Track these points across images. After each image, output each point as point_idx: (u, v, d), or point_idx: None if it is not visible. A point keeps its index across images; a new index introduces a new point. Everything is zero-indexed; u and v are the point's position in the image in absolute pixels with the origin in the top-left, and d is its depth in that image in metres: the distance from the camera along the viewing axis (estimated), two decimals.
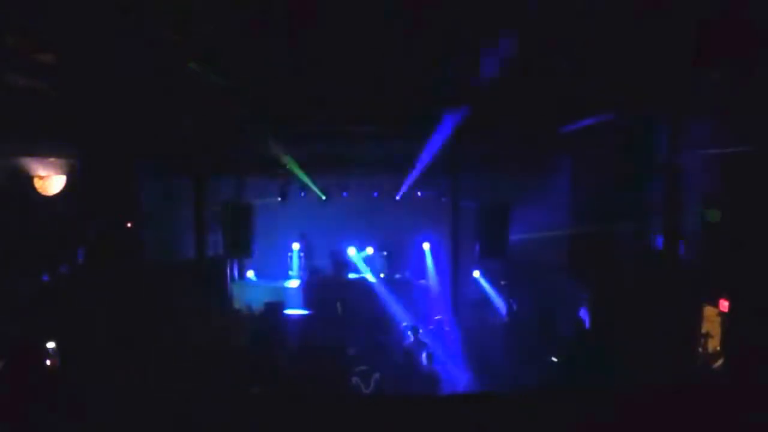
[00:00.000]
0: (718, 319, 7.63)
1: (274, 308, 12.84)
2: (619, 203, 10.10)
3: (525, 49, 6.64)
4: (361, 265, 15.07)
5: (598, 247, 10.44)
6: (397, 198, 14.87)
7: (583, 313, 10.72)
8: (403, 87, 8.47)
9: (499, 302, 13.24)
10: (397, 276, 14.84)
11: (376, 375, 7.70)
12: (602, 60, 7.24)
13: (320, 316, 12.76)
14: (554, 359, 9.29)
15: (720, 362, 7.42)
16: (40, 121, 8.24)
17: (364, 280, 14.55)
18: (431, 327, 12.11)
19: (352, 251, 15.22)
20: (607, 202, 10.25)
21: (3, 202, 8.82)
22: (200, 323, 10.72)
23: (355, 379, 7.71)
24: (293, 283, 14.37)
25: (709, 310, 7.82)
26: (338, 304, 12.98)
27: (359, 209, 15.30)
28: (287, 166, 12.83)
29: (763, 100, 6.39)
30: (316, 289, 14.04)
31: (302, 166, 13.30)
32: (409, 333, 10.60)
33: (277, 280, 14.81)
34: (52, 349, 8.20)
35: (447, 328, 11.92)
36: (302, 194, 15.14)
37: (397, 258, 15.23)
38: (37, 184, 9.53)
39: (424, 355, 9.39)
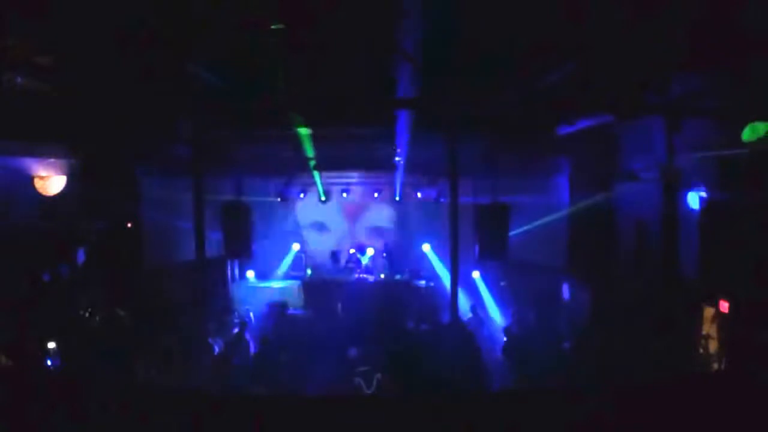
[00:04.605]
0: (717, 320, 7.63)
1: (276, 308, 12.83)
2: (618, 203, 10.11)
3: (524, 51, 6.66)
4: (362, 266, 15.07)
5: (598, 247, 10.44)
6: (397, 199, 14.89)
7: (583, 314, 10.73)
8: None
9: (497, 303, 13.23)
10: (397, 276, 14.84)
11: (378, 375, 7.70)
12: (601, 60, 7.25)
13: (320, 316, 12.75)
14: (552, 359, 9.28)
15: (720, 363, 7.42)
16: (40, 121, 8.24)
17: (364, 280, 14.55)
18: (430, 327, 12.09)
19: (352, 251, 15.23)
20: (605, 203, 10.26)
21: (3, 202, 8.82)
22: (200, 324, 10.71)
23: (357, 380, 7.72)
24: (293, 284, 14.37)
25: (708, 311, 7.82)
26: (338, 305, 12.98)
27: (359, 209, 15.33)
28: (289, 166, 12.81)
29: (758, 102, 6.39)
30: (316, 289, 14.05)
31: (302, 167, 13.28)
32: (409, 333, 10.60)
33: (277, 280, 14.80)
34: (52, 349, 8.20)
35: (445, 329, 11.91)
36: (302, 195, 15.16)
37: (397, 258, 15.24)
38: (37, 184, 9.52)
39: (422, 354, 9.36)
